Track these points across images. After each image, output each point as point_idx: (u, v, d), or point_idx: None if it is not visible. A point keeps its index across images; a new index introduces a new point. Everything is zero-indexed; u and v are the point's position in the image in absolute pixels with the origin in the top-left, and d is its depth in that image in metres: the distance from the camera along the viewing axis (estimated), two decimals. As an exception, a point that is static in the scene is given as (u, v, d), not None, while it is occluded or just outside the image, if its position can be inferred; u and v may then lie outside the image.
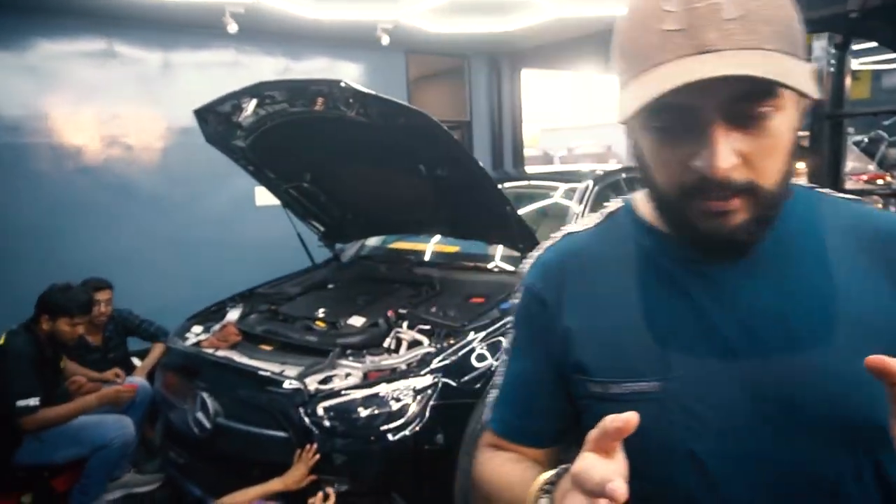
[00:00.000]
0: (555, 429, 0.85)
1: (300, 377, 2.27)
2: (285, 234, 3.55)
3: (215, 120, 2.90)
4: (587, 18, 4.93)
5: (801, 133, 0.84)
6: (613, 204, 0.86)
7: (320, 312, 2.86)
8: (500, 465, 0.83)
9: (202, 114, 2.86)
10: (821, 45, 4.27)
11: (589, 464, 0.53)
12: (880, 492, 0.69)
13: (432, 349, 2.40)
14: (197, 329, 3.02)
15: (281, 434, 2.20)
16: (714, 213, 0.65)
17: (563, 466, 0.64)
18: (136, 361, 3.61)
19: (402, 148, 2.67)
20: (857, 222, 0.74)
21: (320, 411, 2.16)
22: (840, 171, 4.52)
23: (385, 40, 4.99)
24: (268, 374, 2.34)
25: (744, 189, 0.63)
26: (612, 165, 4.46)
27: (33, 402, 2.59)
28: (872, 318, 0.68)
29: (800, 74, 0.59)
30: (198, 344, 2.81)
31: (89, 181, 4.85)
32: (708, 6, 0.58)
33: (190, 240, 5.29)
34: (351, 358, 2.43)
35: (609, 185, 3.49)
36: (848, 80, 4.48)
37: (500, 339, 2.49)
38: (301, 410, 2.17)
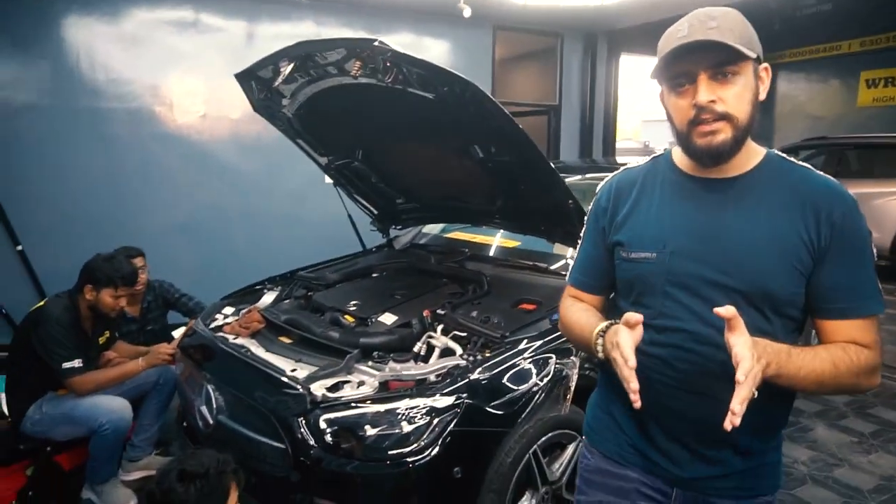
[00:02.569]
0: (604, 283, 1.36)
1: (307, 381, 1.99)
2: (352, 210, 3.32)
3: (259, 86, 2.66)
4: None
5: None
6: (659, 152, 1.35)
7: (352, 305, 2.57)
8: (576, 311, 1.34)
9: (245, 79, 2.62)
10: None
11: (621, 328, 1.13)
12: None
13: (463, 361, 2.04)
14: (228, 310, 2.82)
15: (278, 445, 1.92)
16: (705, 133, 1.14)
17: (609, 322, 1.22)
18: (176, 335, 3.50)
19: (454, 125, 2.31)
20: (800, 179, 1.19)
21: (322, 424, 1.86)
22: None
23: (467, 12, 4.60)
24: (273, 372, 2.07)
25: (722, 116, 1.12)
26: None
27: (78, 363, 2.52)
28: (785, 237, 1.15)
29: (750, 51, 1.11)
30: (221, 328, 2.60)
31: (162, 148, 4.83)
32: (699, 21, 1.12)
33: (259, 213, 5.21)
34: (371, 363, 2.11)
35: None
36: None
37: (549, 355, 2.10)
38: (301, 421, 1.88)
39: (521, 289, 2.58)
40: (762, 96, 1.17)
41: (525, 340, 2.12)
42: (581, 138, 6.67)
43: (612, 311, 1.33)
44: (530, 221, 2.65)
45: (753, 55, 1.11)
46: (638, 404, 1.06)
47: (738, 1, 2.43)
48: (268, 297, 2.91)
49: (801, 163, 1.22)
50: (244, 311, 2.73)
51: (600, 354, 1.20)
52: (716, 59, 1.10)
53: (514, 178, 2.33)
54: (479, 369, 1.98)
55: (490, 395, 1.95)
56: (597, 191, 1.37)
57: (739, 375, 0.95)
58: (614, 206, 1.31)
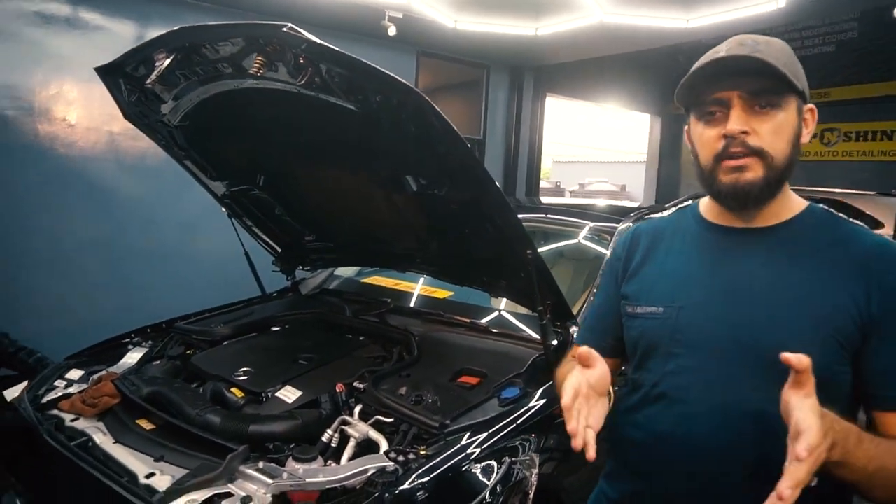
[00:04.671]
0: (612, 343, 1.20)
1: (167, 498, 1.38)
2: (251, 247, 2.72)
3: (130, 86, 2.05)
4: (634, 28, 4.12)
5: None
6: (687, 202, 1.34)
7: (242, 373, 1.98)
8: (564, 371, 1.19)
9: (110, 75, 2.01)
10: None
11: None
12: None
13: (390, 463, 1.51)
14: (75, 374, 2.14)
15: None
16: (733, 168, 0.97)
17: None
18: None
19: (385, 147, 1.82)
20: (848, 236, 1.01)
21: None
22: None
23: (392, 30, 4.17)
24: (116, 485, 1.44)
25: (755, 151, 0.96)
26: (636, 204, 3.62)
27: None
28: (823, 301, 0.95)
29: (797, 82, 0.96)
30: (58, 402, 1.92)
31: (13, 162, 3.98)
32: (739, 44, 0.99)
33: (139, 247, 4.42)
34: (263, 463, 1.53)
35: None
36: None
37: (502, 453, 1.60)
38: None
39: (459, 354, 2.09)
40: (805, 139, 1.01)
41: (470, 431, 1.63)
42: (505, 175, 6.38)
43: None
44: (472, 271, 2.18)
45: (800, 87, 0.98)
46: (590, 454, 0.85)
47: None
48: (131, 357, 2.25)
49: (851, 220, 1.06)
50: (96, 375, 2.06)
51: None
52: (756, 84, 0.96)
53: (458, 217, 1.86)
54: (414, 476, 1.46)
55: (428, 514, 1.43)
56: (613, 238, 1.37)
57: (801, 450, 0.73)
58: (629, 255, 1.20)
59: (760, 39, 1.00)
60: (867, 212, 4.01)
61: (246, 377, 1.95)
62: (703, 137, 1.01)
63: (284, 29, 1.36)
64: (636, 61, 6.88)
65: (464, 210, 1.82)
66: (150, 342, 2.39)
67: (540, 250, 1.81)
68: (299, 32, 1.39)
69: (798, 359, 0.76)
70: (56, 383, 2.07)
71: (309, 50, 1.42)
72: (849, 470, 0.84)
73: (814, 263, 0.99)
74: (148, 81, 1.82)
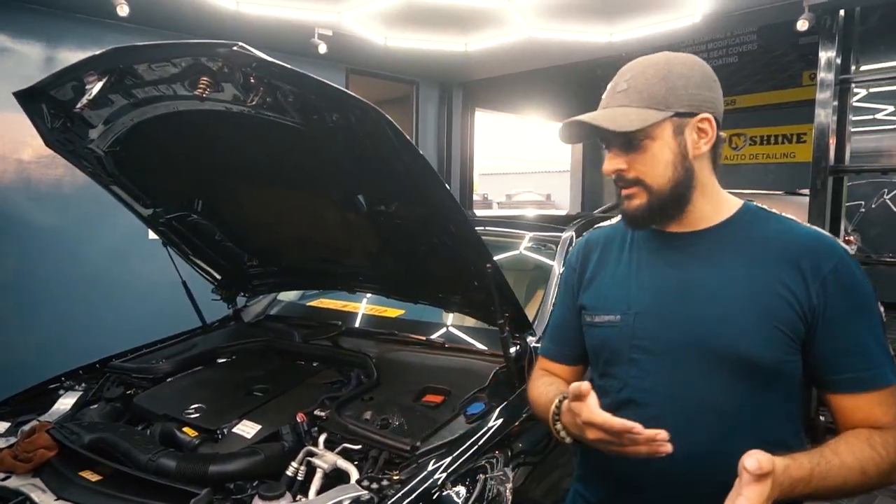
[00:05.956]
0: (577, 352, 1.27)
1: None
2: (188, 274, 2.57)
3: (53, 111, 1.91)
4: (561, 43, 4.25)
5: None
6: None
7: (193, 410, 1.86)
8: (538, 387, 1.23)
9: (31, 101, 1.87)
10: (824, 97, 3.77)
11: (575, 405, 0.99)
12: (762, 420, 1.00)
13: (364, 492, 1.45)
14: (0, 427, 1.96)
15: None
16: (623, 196, 1.10)
17: (558, 402, 1.09)
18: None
19: (337, 166, 1.78)
20: (782, 230, 1.06)
21: None
22: (839, 229, 3.97)
23: (322, 48, 4.12)
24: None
25: (634, 182, 1.07)
26: (563, 212, 3.74)
27: None
28: (764, 295, 1.01)
29: (636, 120, 1.03)
30: (-16, 458, 1.74)
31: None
32: (613, 85, 1.09)
33: (61, 280, 4.11)
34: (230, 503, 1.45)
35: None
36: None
37: (476, 470, 1.58)
38: None
39: (420, 373, 2.06)
40: (699, 150, 1.07)
41: (443, 450, 1.60)
42: (438, 190, 6.40)
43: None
44: (427, 287, 2.16)
45: (659, 117, 1.04)
46: (668, 448, 0.91)
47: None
48: (64, 402, 2.08)
49: (784, 214, 1.12)
50: (26, 427, 1.89)
51: (567, 440, 1.08)
52: (619, 139, 1.07)
53: (415, 234, 1.84)
54: (390, 502, 1.41)
55: (407, 542, 1.38)
56: (559, 247, 1.38)
57: None
58: (582, 266, 1.26)
59: (636, 69, 1.08)
60: (776, 211, 4.29)
61: (198, 414, 1.84)
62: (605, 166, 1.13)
63: (235, 48, 1.31)
64: (561, 75, 7.10)
65: (420, 226, 1.80)
66: (83, 384, 2.22)
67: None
68: (249, 50, 1.34)
69: (758, 465, 0.80)
70: (-21, 437, 1.88)
71: (260, 69, 1.37)
72: (799, 498, 0.92)
73: (753, 260, 1.05)
74: (77, 106, 1.70)
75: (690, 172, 1.07)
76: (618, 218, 1.27)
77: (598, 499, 1.23)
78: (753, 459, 0.80)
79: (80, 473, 1.62)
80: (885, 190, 8.83)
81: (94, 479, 1.60)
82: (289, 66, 1.33)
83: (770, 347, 1.01)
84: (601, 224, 1.31)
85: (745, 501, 0.79)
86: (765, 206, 1.14)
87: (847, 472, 0.92)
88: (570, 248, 1.34)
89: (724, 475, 0.85)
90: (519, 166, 21.49)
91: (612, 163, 1.08)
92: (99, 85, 1.66)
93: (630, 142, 1.06)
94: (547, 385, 1.22)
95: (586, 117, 1.07)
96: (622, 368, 1.13)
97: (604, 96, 1.11)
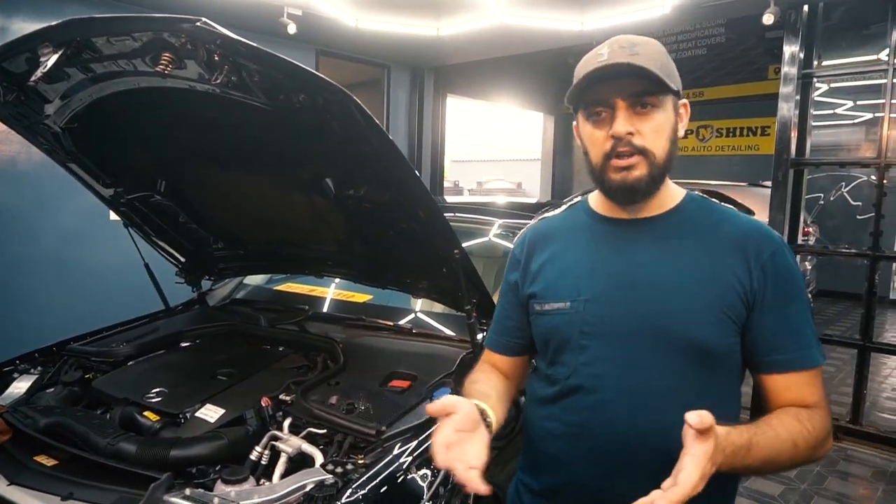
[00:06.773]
0: (518, 342, 1.28)
1: (83, 540, 1.25)
2: (150, 256, 2.51)
3: (6, 84, 1.84)
4: (532, 30, 4.25)
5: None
6: (577, 198, 1.28)
7: (154, 394, 1.83)
8: (471, 384, 1.20)
9: (-19, 72, 1.79)
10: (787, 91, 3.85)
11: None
12: (708, 402, 0.87)
13: (329, 476, 1.45)
14: (-50, 410, 1.89)
15: None
16: (620, 167, 1.05)
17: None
18: None
19: (306, 148, 1.75)
20: (724, 220, 1.11)
21: None
22: (799, 220, 4.07)
23: (292, 28, 4.04)
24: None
25: (640, 150, 1.03)
26: (533, 200, 3.74)
27: None
28: (711, 280, 1.04)
29: (671, 83, 1.03)
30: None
31: None
32: (621, 47, 1.04)
33: (17, 260, 3.99)
34: (190, 490, 1.42)
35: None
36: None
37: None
38: None
39: (386, 358, 2.06)
40: (681, 133, 1.11)
41: (409, 434, 1.60)
42: (408, 176, 6.37)
43: (532, 375, 1.27)
44: (394, 273, 2.15)
45: (675, 87, 1.06)
46: (482, 490, 0.87)
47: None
48: (18, 386, 2.03)
49: (723, 204, 1.17)
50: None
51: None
52: (637, 87, 1.03)
53: (382, 218, 1.83)
54: (355, 486, 1.41)
55: (372, 526, 1.39)
56: (513, 242, 1.32)
57: (670, 495, 0.79)
58: (528, 256, 1.24)
59: (638, 41, 1.06)
60: (739, 201, 4.37)
61: (159, 398, 1.81)
62: (593, 137, 1.08)
63: (198, 23, 1.27)
64: (532, 62, 7.11)
65: (389, 211, 1.78)
66: (39, 368, 2.16)
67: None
68: (213, 27, 1.30)
69: (700, 420, 0.80)
70: (-72, 422, 1.82)
71: (224, 46, 1.33)
72: (740, 471, 0.96)
73: (700, 246, 1.08)
74: (31, 79, 1.63)
75: (675, 153, 1.09)
76: (563, 207, 1.27)
77: (542, 487, 1.22)
78: (695, 415, 0.81)
79: (35, 458, 1.58)
80: (843, 183, 9.11)
81: (49, 464, 1.56)
82: (254, 45, 1.30)
83: (718, 332, 1.04)
84: (546, 215, 1.29)
85: (692, 459, 0.81)
86: (706, 196, 1.18)
87: (781, 444, 0.96)
88: (516, 241, 1.29)
89: (669, 454, 0.86)
90: (490, 154, 21.51)
91: (625, 124, 1.03)
92: (54, 57, 1.59)
93: (643, 104, 1.04)
94: (470, 383, 1.21)
95: (627, 61, 1.02)
96: (571, 356, 1.12)
97: (607, 56, 1.04)
